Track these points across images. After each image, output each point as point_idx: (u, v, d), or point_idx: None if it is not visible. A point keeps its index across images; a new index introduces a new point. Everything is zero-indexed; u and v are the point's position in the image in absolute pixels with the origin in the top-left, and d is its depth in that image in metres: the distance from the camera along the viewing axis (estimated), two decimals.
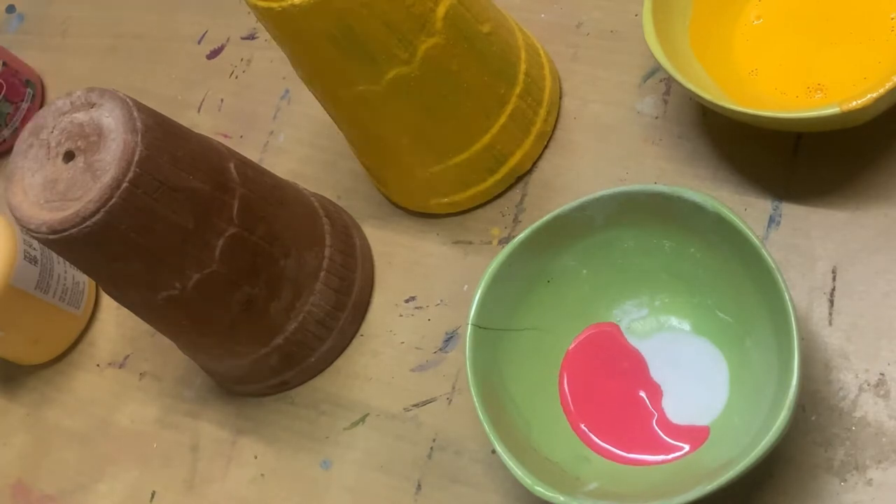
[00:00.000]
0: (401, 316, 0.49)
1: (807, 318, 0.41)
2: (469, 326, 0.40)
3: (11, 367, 0.58)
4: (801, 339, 0.35)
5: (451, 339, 0.47)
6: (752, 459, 0.33)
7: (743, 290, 0.38)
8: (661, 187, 0.38)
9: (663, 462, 0.39)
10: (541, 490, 0.36)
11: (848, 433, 0.38)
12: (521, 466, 0.37)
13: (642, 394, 0.41)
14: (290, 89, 0.59)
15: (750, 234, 0.36)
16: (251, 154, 0.52)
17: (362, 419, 0.48)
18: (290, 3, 0.39)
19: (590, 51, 0.52)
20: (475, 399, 0.39)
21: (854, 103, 0.38)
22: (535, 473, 0.37)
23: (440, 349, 0.47)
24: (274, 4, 0.40)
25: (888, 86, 0.37)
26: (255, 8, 0.41)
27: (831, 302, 0.41)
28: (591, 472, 0.39)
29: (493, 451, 0.43)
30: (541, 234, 0.40)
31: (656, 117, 0.48)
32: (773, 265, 0.36)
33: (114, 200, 0.38)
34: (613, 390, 0.42)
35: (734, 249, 0.38)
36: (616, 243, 0.41)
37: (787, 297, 0.35)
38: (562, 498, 0.36)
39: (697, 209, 0.38)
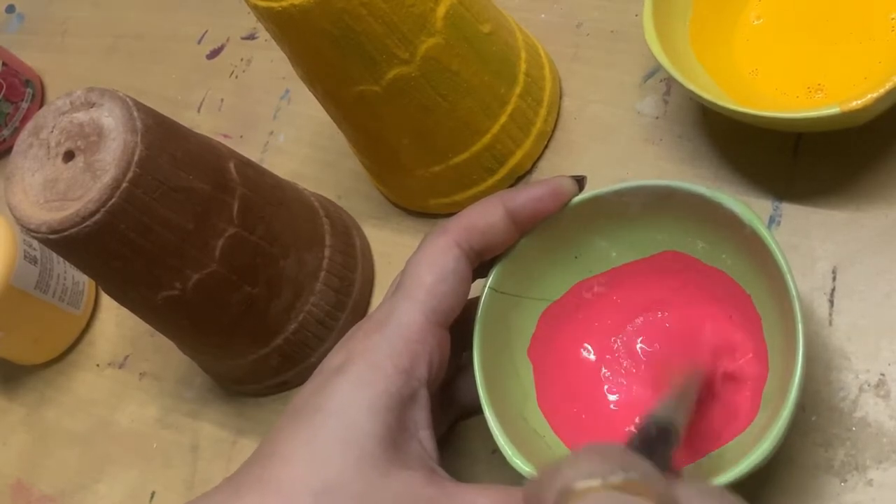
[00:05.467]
0: None
1: (807, 318, 0.41)
2: (486, 289, 0.40)
3: (11, 367, 0.58)
4: (806, 360, 0.34)
5: None
6: (754, 462, 0.33)
7: (765, 309, 0.38)
8: (701, 189, 0.38)
9: None
10: (518, 463, 0.36)
11: (848, 433, 0.38)
12: (504, 436, 0.37)
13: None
14: (290, 89, 0.59)
15: (779, 255, 0.36)
16: (251, 154, 0.51)
17: None
18: (290, 3, 0.39)
19: (590, 51, 0.52)
20: (475, 360, 0.38)
21: (854, 103, 0.38)
22: (517, 445, 0.36)
23: None
24: (274, 4, 0.40)
25: (888, 86, 0.37)
26: (255, 8, 0.41)
27: (831, 302, 0.41)
28: None
29: (494, 451, 0.43)
30: (575, 210, 0.40)
31: (657, 117, 0.48)
32: (794, 292, 0.35)
33: (114, 200, 0.38)
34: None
35: (761, 265, 0.37)
36: (649, 233, 0.41)
37: (800, 328, 0.34)
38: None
39: (734, 218, 0.37)
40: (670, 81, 0.49)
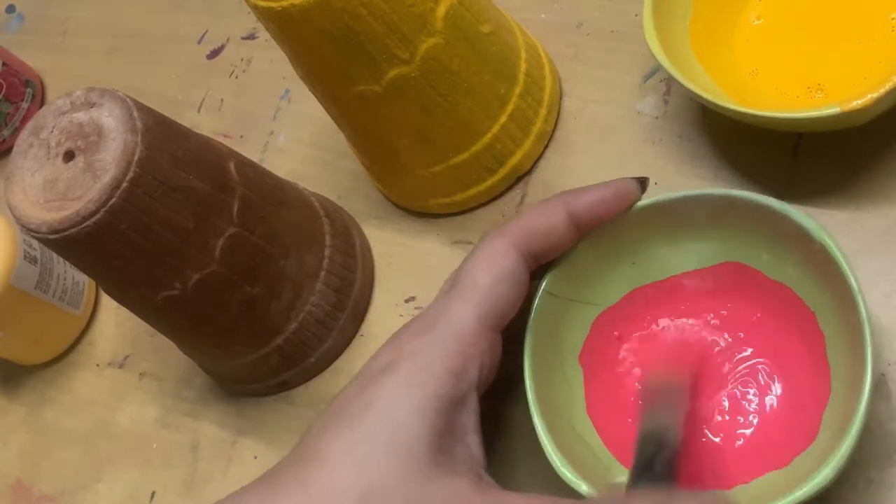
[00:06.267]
0: (401, 316, 0.49)
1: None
2: (540, 292, 0.39)
3: (11, 367, 0.58)
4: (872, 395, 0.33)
5: None
6: (816, 487, 0.32)
7: (829, 328, 0.37)
8: (770, 200, 0.37)
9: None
10: (566, 473, 0.35)
11: None
12: (552, 444, 0.35)
13: None
14: (290, 89, 0.59)
15: (850, 274, 0.34)
16: (251, 154, 0.51)
17: None
18: (290, 2, 0.39)
19: (590, 51, 0.52)
20: (526, 364, 0.37)
21: (855, 103, 0.38)
22: (565, 453, 0.35)
23: None
24: (274, 4, 0.40)
25: (888, 86, 0.37)
26: (255, 8, 0.41)
27: None
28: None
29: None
30: (636, 216, 0.39)
31: (657, 117, 0.48)
32: (864, 314, 0.34)
33: (114, 200, 0.38)
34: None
35: (828, 282, 0.36)
36: (711, 243, 0.40)
37: (869, 352, 0.33)
38: (584, 487, 0.34)
39: (802, 232, 0.36)
40: (670, 81, 0.49)
